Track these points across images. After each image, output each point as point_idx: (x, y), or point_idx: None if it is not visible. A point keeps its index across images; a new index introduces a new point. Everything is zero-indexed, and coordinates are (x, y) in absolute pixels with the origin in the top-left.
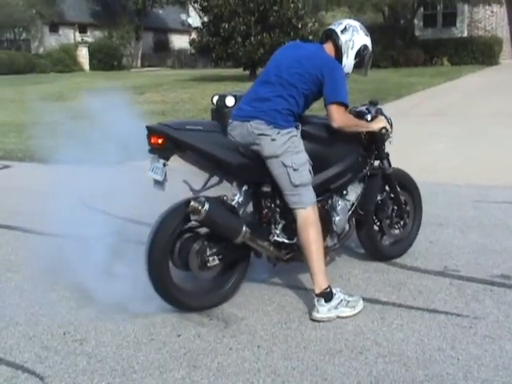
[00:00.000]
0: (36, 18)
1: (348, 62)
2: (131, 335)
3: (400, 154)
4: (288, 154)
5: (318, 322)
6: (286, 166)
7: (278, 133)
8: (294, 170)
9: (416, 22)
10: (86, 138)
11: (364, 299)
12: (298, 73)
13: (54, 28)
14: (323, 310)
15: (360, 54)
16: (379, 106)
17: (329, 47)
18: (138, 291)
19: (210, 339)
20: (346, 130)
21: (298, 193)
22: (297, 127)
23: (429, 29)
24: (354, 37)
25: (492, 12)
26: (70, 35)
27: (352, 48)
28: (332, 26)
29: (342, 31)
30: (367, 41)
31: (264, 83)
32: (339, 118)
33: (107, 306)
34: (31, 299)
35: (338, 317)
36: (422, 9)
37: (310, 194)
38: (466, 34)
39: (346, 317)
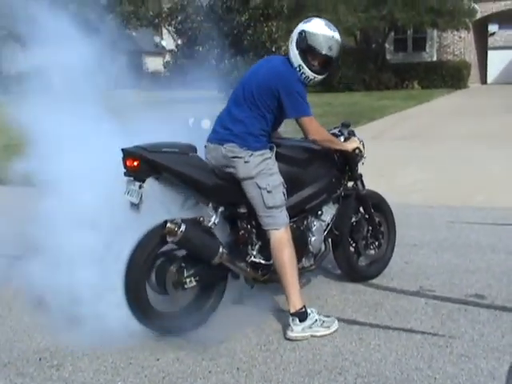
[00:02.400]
0: (8, 39)
1: (293, 54)
2: (109, 360)
3: (374, 177)
4: (262, 175)
5: (293, 340)
6: (260, 188)
7: (251, 155)
8: (268, 191)
9: (387, 46)
10: None
11: (342, 320)
12: (259, 88)
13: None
14: (297, 329)
15: (299, 42)
16: (351, 128)
17: None
18: (116, 315)
19: (189, 362)
20: (321, 144)
21: (271, 214)
22: (271, 149)
23: (399, 53)
24: (294, 32)
25: (460, 37)
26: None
27: (292, 41)
28: None
29: None
30: (306, 27)
31: (235, 102)
32: (314, 129)
33: (84, 331)
34: (5, 325)
35: (313, 336)
36: (392, 33)
37: (282, 216)
38: (435, 58)
39: (321, 336)
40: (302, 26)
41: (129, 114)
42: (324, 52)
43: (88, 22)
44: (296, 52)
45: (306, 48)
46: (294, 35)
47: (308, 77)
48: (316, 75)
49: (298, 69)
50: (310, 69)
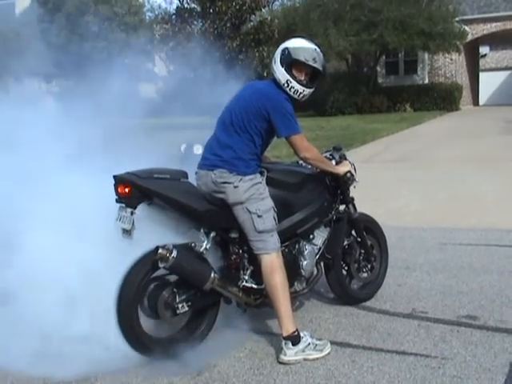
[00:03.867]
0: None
1: (278, 72)
2: None
3: (366, 199)
4: (253, 200)
5: (286, 364)
6: (250, 213)
7: (241, 179)
8: (258, 216)
9: (378, 69)
10: None
11: (334, 343)
12: (247, 112)
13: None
14: (290, 353)
15: (283, 59)
16: (342, 152)
17: None
18: (109, 340)
19: None
20: (312, 163)
21: (261, 239)
22: (261, 173)
23: (391, 76)
24: (275, 53)
25: (451, 59)
26: (34, 85)
27: (275, 61)
28: None
29: None
30: (288, 44)
31: (223, 128)
32: (305, 146)
33: (77, 356)
34: None
35: (306, 359)
36: (384, 57)
37: (273, 240)
38: (427, 81)
39: (314, 359)
40: (283, 45)
41: (123, 142)
42: (309, 63)
43: (81, 50)
44: (281, 69)
45: (291, 62)
46: (277, 55)
47: (297, 90)
48: (305, 88)
49: (286, 84)
50: (297, 82)
